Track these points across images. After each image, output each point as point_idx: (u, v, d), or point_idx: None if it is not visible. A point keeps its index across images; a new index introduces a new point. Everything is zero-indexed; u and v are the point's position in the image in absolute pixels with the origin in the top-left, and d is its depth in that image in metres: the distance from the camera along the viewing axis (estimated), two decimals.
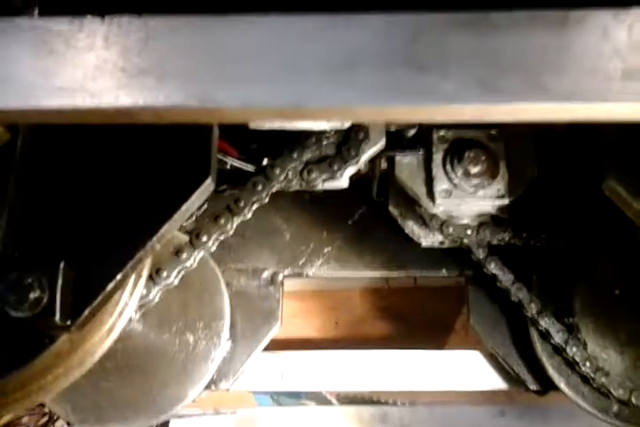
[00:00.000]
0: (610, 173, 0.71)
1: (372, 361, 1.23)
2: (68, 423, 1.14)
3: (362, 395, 1.47)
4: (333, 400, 1.55)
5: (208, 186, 0.68)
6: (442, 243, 1.10)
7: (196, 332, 1.07)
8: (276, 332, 1.17)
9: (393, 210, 1.11)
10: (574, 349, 1.07)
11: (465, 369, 1.22)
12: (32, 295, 0.62)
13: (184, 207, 0.66)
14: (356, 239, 1.19)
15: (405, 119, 0.76)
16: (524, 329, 1.12)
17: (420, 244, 1.11)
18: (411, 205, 1.05)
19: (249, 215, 0.98)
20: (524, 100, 0.52)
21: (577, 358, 1.07)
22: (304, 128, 0.88)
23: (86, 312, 0.63)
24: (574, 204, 1.09)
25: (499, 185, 0.98)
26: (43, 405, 1.20)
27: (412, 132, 0.98)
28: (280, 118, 0.57)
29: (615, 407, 1.09)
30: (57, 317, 0.62)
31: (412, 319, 1.49)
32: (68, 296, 0.62)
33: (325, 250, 1.19)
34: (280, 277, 1.18)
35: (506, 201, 0.99)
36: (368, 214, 1.19)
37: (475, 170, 0.97)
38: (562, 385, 1.10)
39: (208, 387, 1.10)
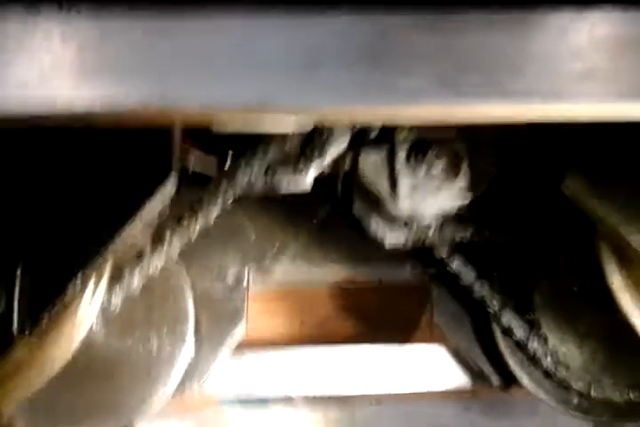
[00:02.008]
0: (569, 173, 0.73)
1: (337, 360, 1.23)
2: None
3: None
4: (299, 401, 1.54)
5: (169, 188, 0.67)
6: (405, 242, 1.11)
7: (161, 336, 1.05)
8: (241, 333, 1.16)
9: (357, 209, 1.11)
10: (535, 344, 1.08)
11: (429, 367, 1.23)
12: None
13: (144, 211, 0.65)
14: (320, 239, 1.19)
15: (368, 119, 0.76)
16: (487, 326, 1.13)
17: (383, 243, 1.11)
18: (374, 204, 1.05)
19: (211, 219, 0.96)
20: (483, 100, 0.52)
21: (538, 353, 1.08)
22: (267, 131, 0.87)
23: (44, 320, 0.61)
24: (534, 201, 1.11)
25: (460, 184, 0.99)
26: None
27: (375, 132, 0.98)
28: (242, 118, 0.57)
29: (575, 400, 1.11)
30: (15, 325, 0.60)
31: (378, 318, 1.49)
32: (26, 304, 0.61)
33: (290, 250, 1.18)
34: (245, 277, 1.17)
35: (467, 200, 1.00)
36: (332, 213, 1.19)
37: (437, 169, 0.98)
38: (524, 381, 1.12)
39: (174, 393, 1.08)
